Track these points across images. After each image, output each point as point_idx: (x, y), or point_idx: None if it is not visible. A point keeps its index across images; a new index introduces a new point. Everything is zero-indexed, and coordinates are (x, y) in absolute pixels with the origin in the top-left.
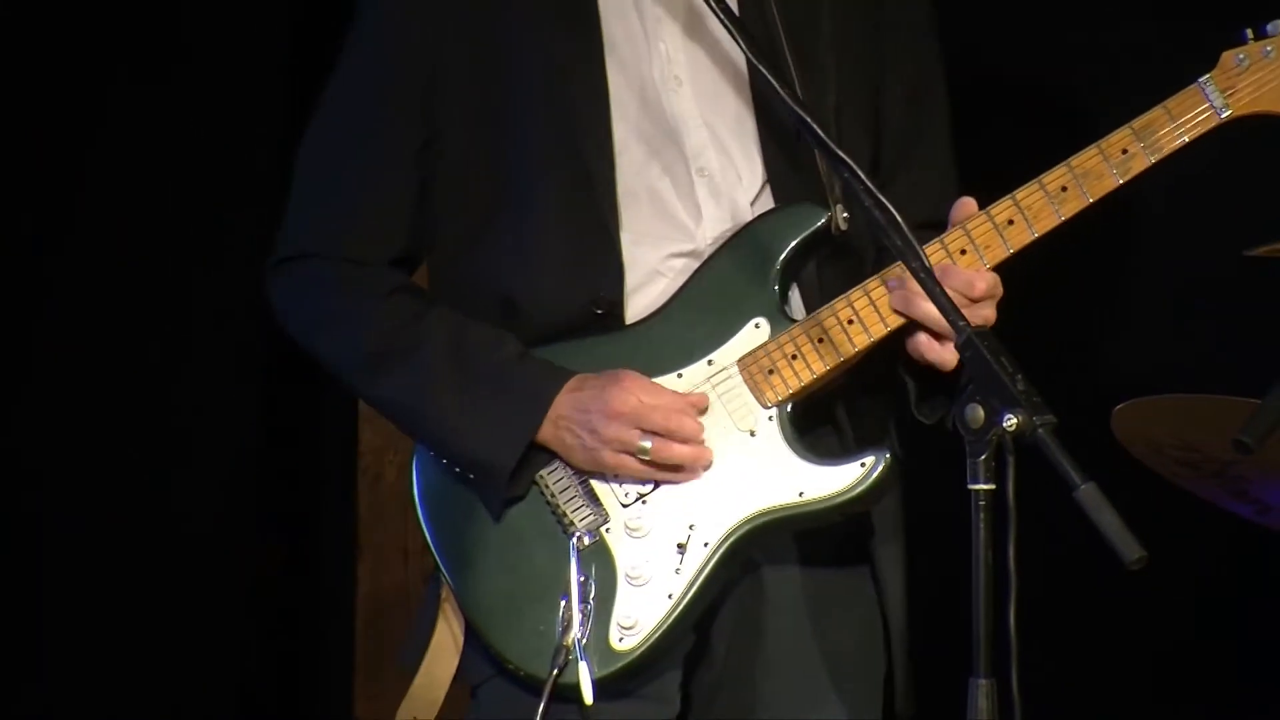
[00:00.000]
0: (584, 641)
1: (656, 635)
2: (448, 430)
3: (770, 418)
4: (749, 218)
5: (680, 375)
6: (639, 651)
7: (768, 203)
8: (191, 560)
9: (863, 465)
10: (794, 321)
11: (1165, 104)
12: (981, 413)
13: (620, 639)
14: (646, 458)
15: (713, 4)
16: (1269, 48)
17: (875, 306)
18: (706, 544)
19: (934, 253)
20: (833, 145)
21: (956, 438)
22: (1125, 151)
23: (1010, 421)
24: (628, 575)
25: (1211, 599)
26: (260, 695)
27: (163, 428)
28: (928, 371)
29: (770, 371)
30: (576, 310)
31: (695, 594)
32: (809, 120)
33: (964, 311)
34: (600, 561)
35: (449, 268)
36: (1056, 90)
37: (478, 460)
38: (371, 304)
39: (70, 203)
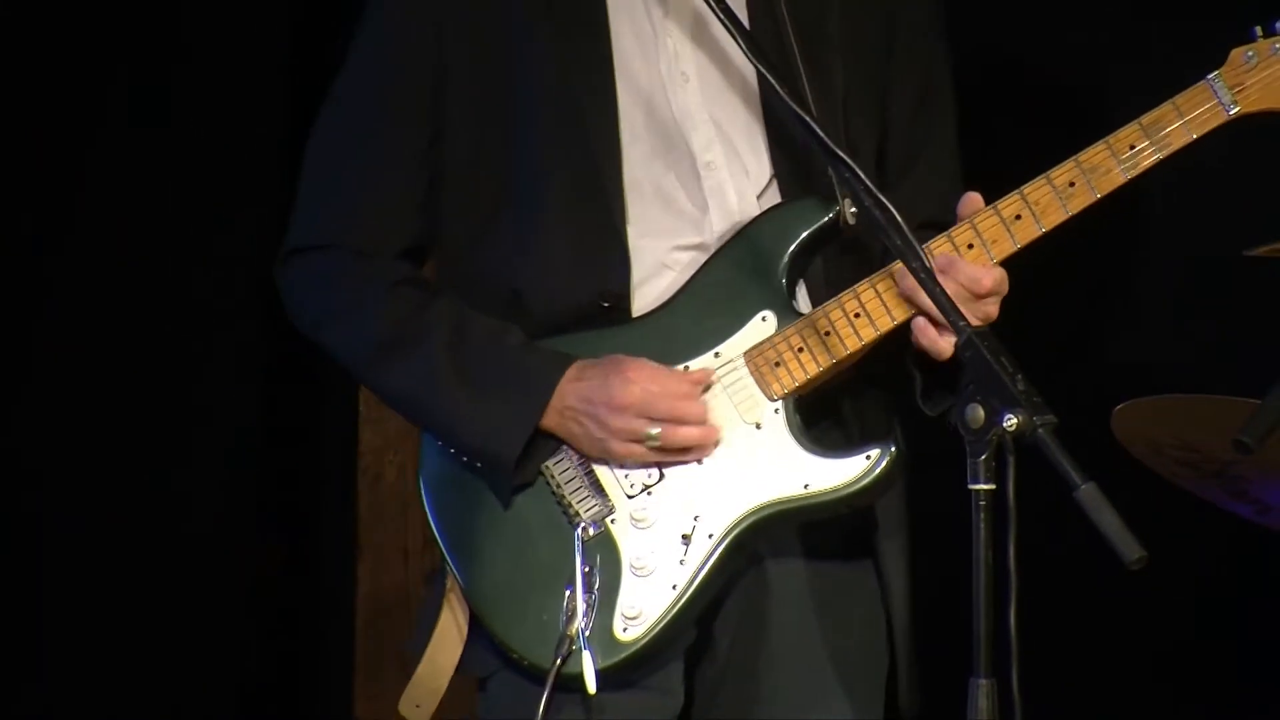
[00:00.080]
0: (588, 631)
1: (660, 626)
2: (453, 420)
3: (776, 410)
4: (756, 212)
5: (686, 368)
6: (643, 642)
7: (775, 197)
8: (192, 560)
9: (868, 458)
10: (801, 315)
11: (1174, 100)
12: (982, 413)
13: (624, 629)
14: (656, 444)
15: (712, 4)
16: (1278, 45)
17: (882, 301)
18: (711, 535)
19: (941, 247)
20: (831, 144)
21: (958, 437)
22: (1133, 147)
23: (1010, 421)
24: (632, 566)
25: (1211, 599)
26: (260, 695)
27: (163, 428)
28: (935, 364)
29: (777, 364)
30: (583, 303)
31: (699, 585)
32: (808, 119)
33: (968, 305)
34: (605, 552)
35: (456, 262)
36: (1064, 87)
37: (483, 450)
38: (378, 295)
39: (70, 203)
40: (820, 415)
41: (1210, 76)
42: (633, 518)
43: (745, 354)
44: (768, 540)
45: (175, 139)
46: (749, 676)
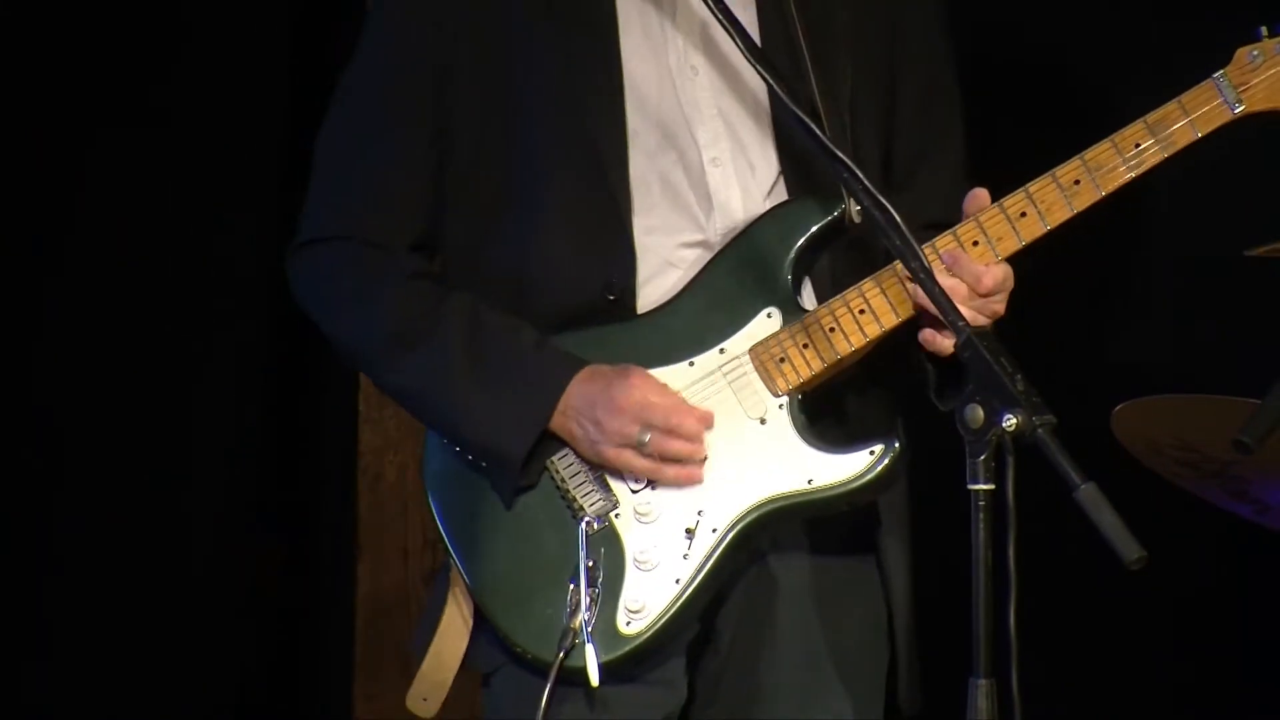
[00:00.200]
0: (591, 625)
1: (663, 620)
2: (461, 417)
3: (781, 406)
4: (762, 208)
5: (692, 364)
6: (646, 635)
7: (782, 194)
8: (191, 560)
9: (871, 453)
10: (806, 312)
11: (1179, 99)
12: (981, 413)
13: (628, 623)
14: (646, 450)
15: (712, 6)
16: None
17: (887, 297)
18: (715, 530)
19: (946, 243)
20: (830, 145)
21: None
22: (1138, 145)
23: (1010, 421)
24: (636, 560)
25: (1211, 599)
26: (260, 695)
27: (163, 428)
28: (949, 359)
29: (781, 360)
30: (589, 298)
31: (703, 580)
32: (807, 120)
33: (973, 304)
34: (609, 546)
35: (461, 257)
36: (1070, 85)
37: (490, 448)
38: (391, 288)
39: (70, 203)
40: (824, 411)
41: (1216, 75)
42: (636, 512)
43: (750, 350)
44: (771, 536)
45: (175, 139)
46: (750, 671)
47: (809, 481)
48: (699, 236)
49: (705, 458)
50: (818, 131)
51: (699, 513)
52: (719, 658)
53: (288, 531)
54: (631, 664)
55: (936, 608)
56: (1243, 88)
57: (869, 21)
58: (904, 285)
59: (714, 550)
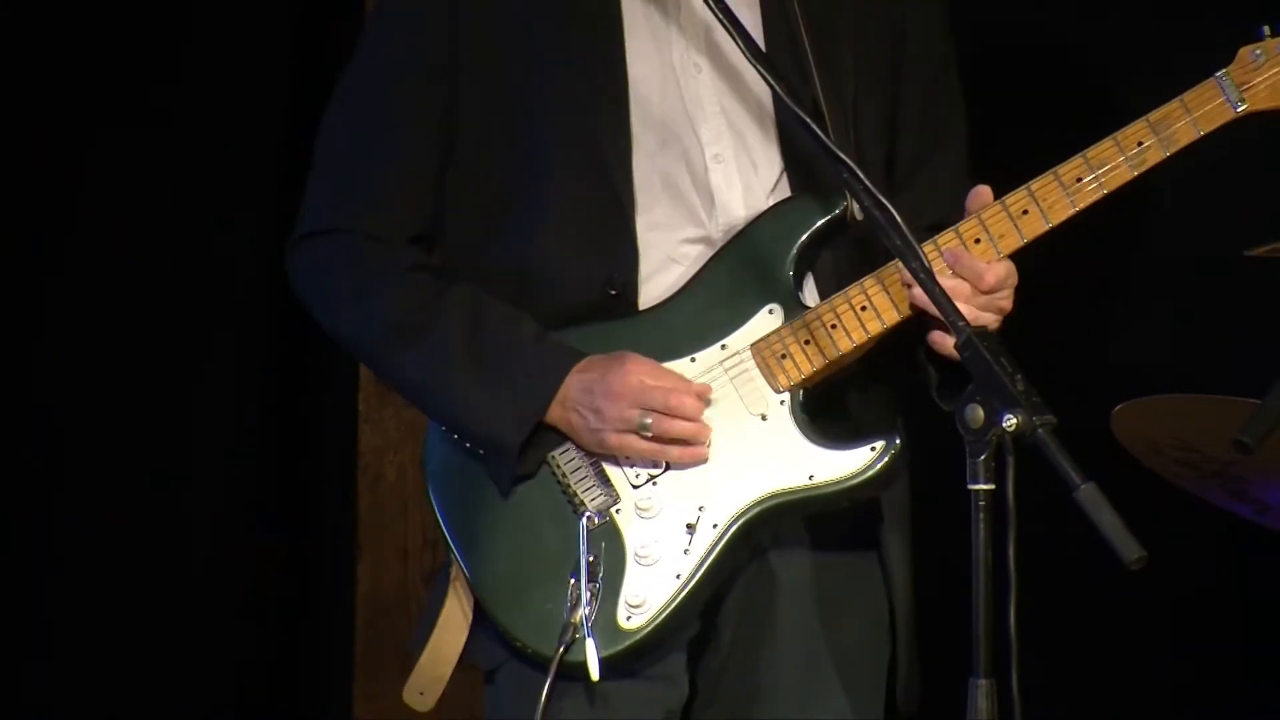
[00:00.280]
0: (592, 619)
1: (664, 615)
2: (460, 408)
3: (782, 402)
4: (765, 206)
5: (694, 359)
6: (646, 630)
7: (785, 191)
8: (191, 560)
9: (873, 450)
10: (808, 308)
11: (1182, 97)
12: (981, 413)
13: (628, 618)
14: (648, 434)
15: (712, 6)
16: None
17: (889, 294)
18: (716, 525)
19: (948, 241)
20: (831, 145)
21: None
22: (1141, 144)
23: (1010, 421)
24: (637, 555)
25: (1211, 599)
26: (260, 695)
27: (163, 428)
28: (948, 362)
29: (783, 356)
30: (591, 292)
31: (704, 575)
32: (808, 120)
33: (979, 301)
34: (610, 541)
35: (464, 251)
36: (1073, 83)
37: (487, 438)
38: (392, 280)
39: (70, 203)
40: (825, 408)
41: (1218, 74)
42: (637, 507)
43: (752, 346)
44: (772, 532)
45: (175, 139)
46: (751, 668)
47: (810, 477)
48: (701, 233)
49: (709, 436)
50: (818, 131)
51: (700, 508)
52: (719, 656)
53: (288, 531)
54: (632, 659)
55: (937, 607)
56: (1245, 87)
57: (872, 22)
58: (905, 286)
59: (715, 546)
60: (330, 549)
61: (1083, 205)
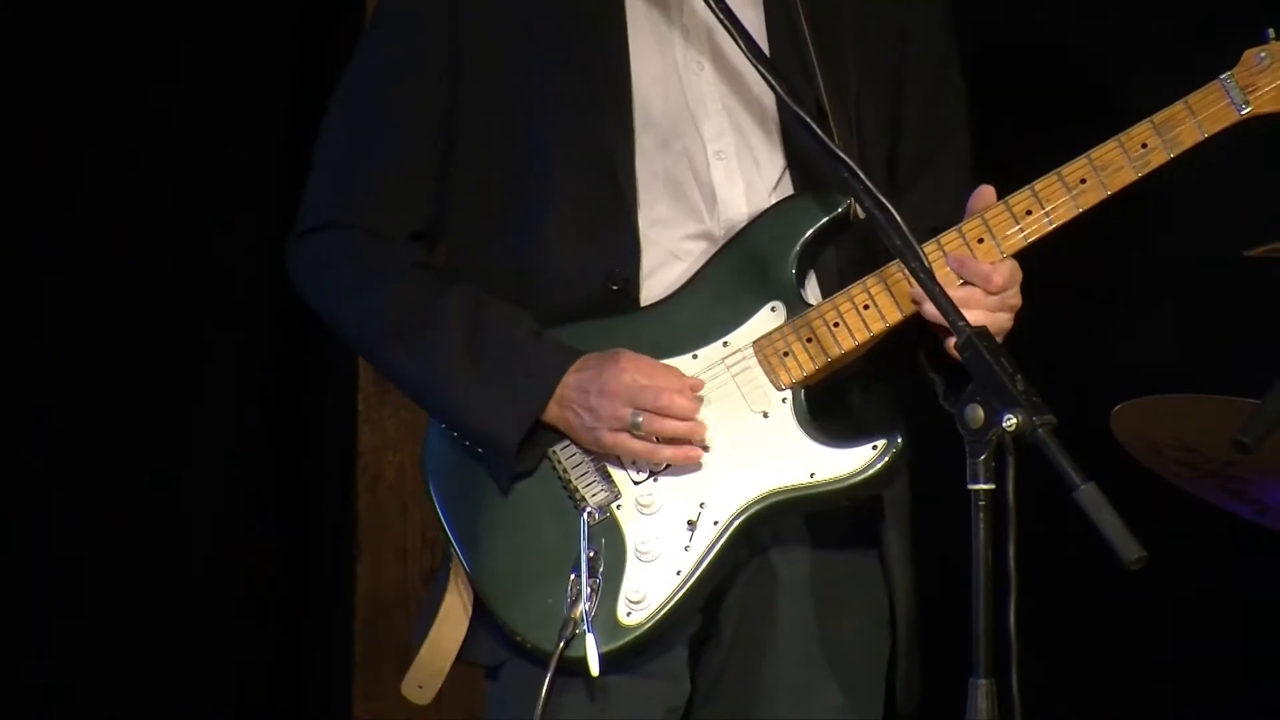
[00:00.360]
0: (592, 614)
1: (664, 611)
2: (458, 405)
3: (784, 399)
4: (767, 203)
5: (695, 356)
6: (646, 626)
7: (788, 189)
8: (191, 560)
9: (874, 448)
10: (811, 306)
11: (1186, 99)
12: (981, 413)
13: (628, 613)
14: (639, 433)
15: (712, 5)
16: None
17: (891, 293)
18: (716, 522)
19: (951, 241)
20: (831, 145)
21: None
22: (1145, 145)
23: (1010, 421)
24: (637, 551)
25: (1211, 599)
26: (259, 695)
27: (163, 428)
28: (952, 365)
29: (785, 354)
30: (592, 287)
31: (704, 572)
32: (808, 119)
33: (991, 302)
34: (610, 537)
35: (466, 246)
36: (1078, 85)
37: (485, 436)
38: (392, 277)
39: (70, 203)
40: (827, 406)
41: (1223, 76)
42: (638, 503)
43: (754, 344)
44: (773, 529)
45: (175, 139)
46: (752, 665)
47: (811, 475)
48: (703, 229)
49: (704, 436)
50: (819, 131)
51: (701, 505)
52: (720, 653)
53: (287, 531)
54: (632, 654)
55: (937, 607)
56: (1250, 89)
57: (874, 21)
58: (908, 284)
59: (715, 542)
60: (330, 549)
61: (1086, 206)
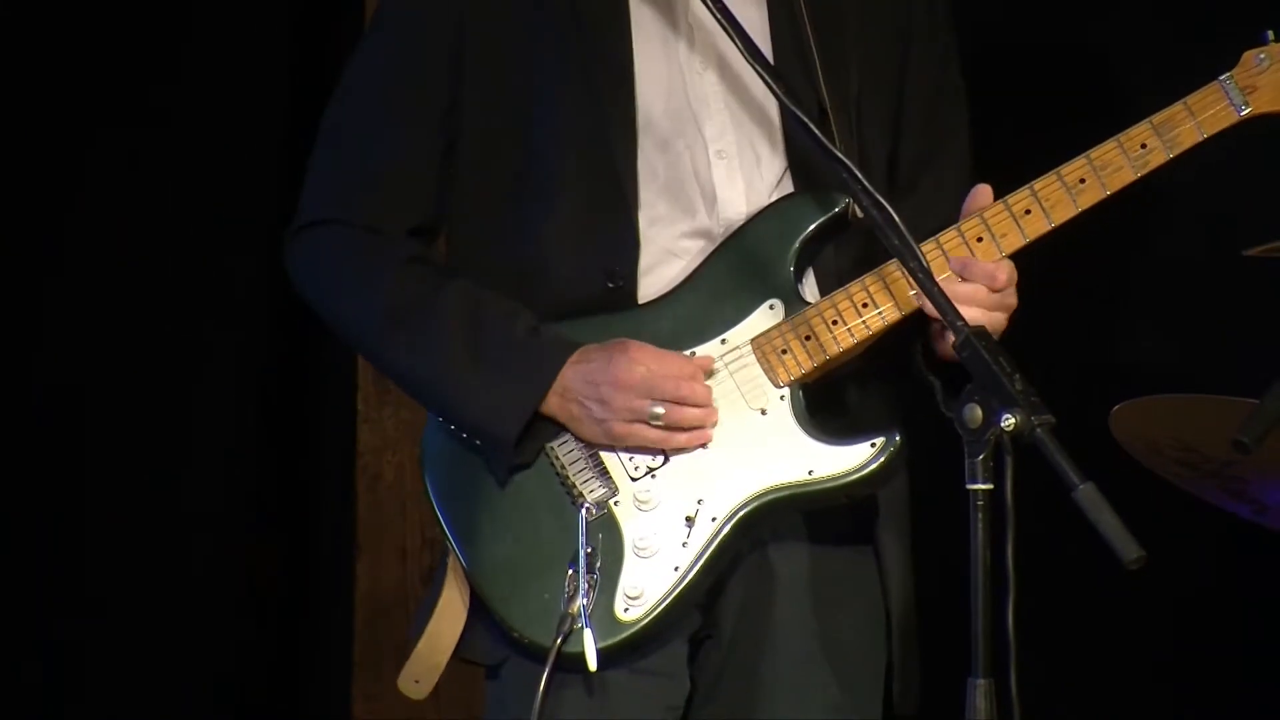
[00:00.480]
0: (589, 610)
1: (661, 607)
2: (457, 398)
3: (782, 397)
4: (766, 203)
5: (693, 354)
6: (644, 622)
7: (788, 188)
8: (191, 560)
9: (872, 446)
10: (809, 304)
11: (1186, 100)
12: (980, 412)
13: (625, 609)
14: (659, 424)
15: (711, 6)
16: None
17: (890, 291)
18: (714, 519)
19: (950, 240)
20: (830, 145)
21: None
22: (1144, 146)
23: (1008, 421)
24: (635, 547)
25: (1210, 599)
26: (259, 694)
27: (163, 427)
28: (950, 369)
29: (784, 352)
30: (590, 283)
31: (702, 568)
32: (806, 120)
33: (992, 301)
34: (608, 533)
35: (466, 241)
36: (1077, 85)
37: (483, 429)
38: (390, 271)
39: (70, 203)
40: (825, 403)
41: (1222, 78)
42: (636, 499)
43: (752, 341)
44: (771, 526)
45: (175, 139)
46: (751, 664)
47: (809, 472)
48: (702, 227)
49: (717, 419)
50: (817, 132)
51: (699, 501)
52: (720, 652)
53: (287, 531)
54: (629, 650)
55: (936, 608)
56: (1249, 90)
57: (877, 22)
58: (907, 283)
59: (713, 539)
60: (329, 549)
61: (1085, 206)
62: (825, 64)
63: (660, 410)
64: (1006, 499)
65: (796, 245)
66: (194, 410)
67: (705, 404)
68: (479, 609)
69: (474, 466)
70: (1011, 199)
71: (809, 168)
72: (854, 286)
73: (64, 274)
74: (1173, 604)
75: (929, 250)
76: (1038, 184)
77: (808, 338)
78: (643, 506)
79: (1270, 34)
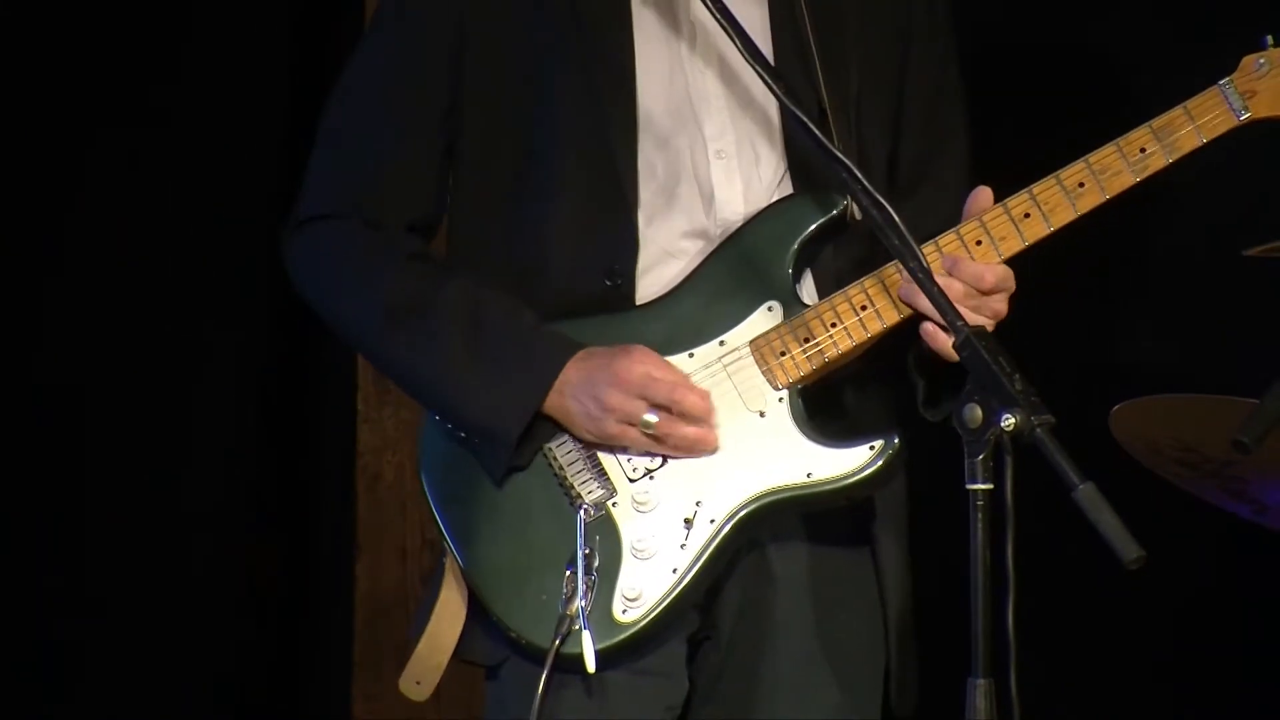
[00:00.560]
0: (588, 611)
1: (660, 608)
2: (456, 396)
3: (781, 399)
4: (765, 203)
5: (692, 355)
6: (642, 624)
7: (788, 188)
8: (191, 560)
9: (871, 448)
10: (807, 306)
11: (1185, 105)
12: (980, 412)
13: (624, 610)
14: (650, 432)
15: (710, 6)
16: None
17: (889, 293)
18: (713, 521)
19: (949, 243)
20: (830, 146)
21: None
22: (1144, 150)
23: (1008, 421)
24: (633, 548)
25: (1210, 599)
26: (259, 695)
27: (163, 427)
28: (937, 371)
29: (782, 354)
30: (589, 282)
31: (700, 570)
32: (807, 120)
33: (975, 303)
34: (606, 534)
35: (465, 238)
36: (1077, 89)
37: (484, 427)
38: (391, 266)
39: (70, 203)
40: (824, 406)
41: (1222, 82)
42: (635, 500)
43: (751, 343)
44: (769, 528)
45: (175, 139)
46: (750, 665)
47: (808, 475)
48: (700, 228)
49: (716, 446)
50: (817, 132)
51: (697, 503)
52: (718, 652)
53: (287, 531)
54: (627, 652)
55: (936, 608)
56: (1249, 95)
57: (877, 21)
58: (902, 287)
59: (711, 541)
60: (329, 549)
61: (1084, 210)
62: (825, 64)
63: (653, 419)
64: (1006, 499)
65: (795, 247)
66: (194, 410)
67: (702, 417)
68: (478, 610)
69: (472, 467)
70: (1010, 202)
71: (808, 168)
72: (853, 289)
73: (64, 274)
74: (1173, 604)
75: (927, 252)
76: (1036, 188)
77: (806, 340)
78: (641, 508)
79: (1270, 39)
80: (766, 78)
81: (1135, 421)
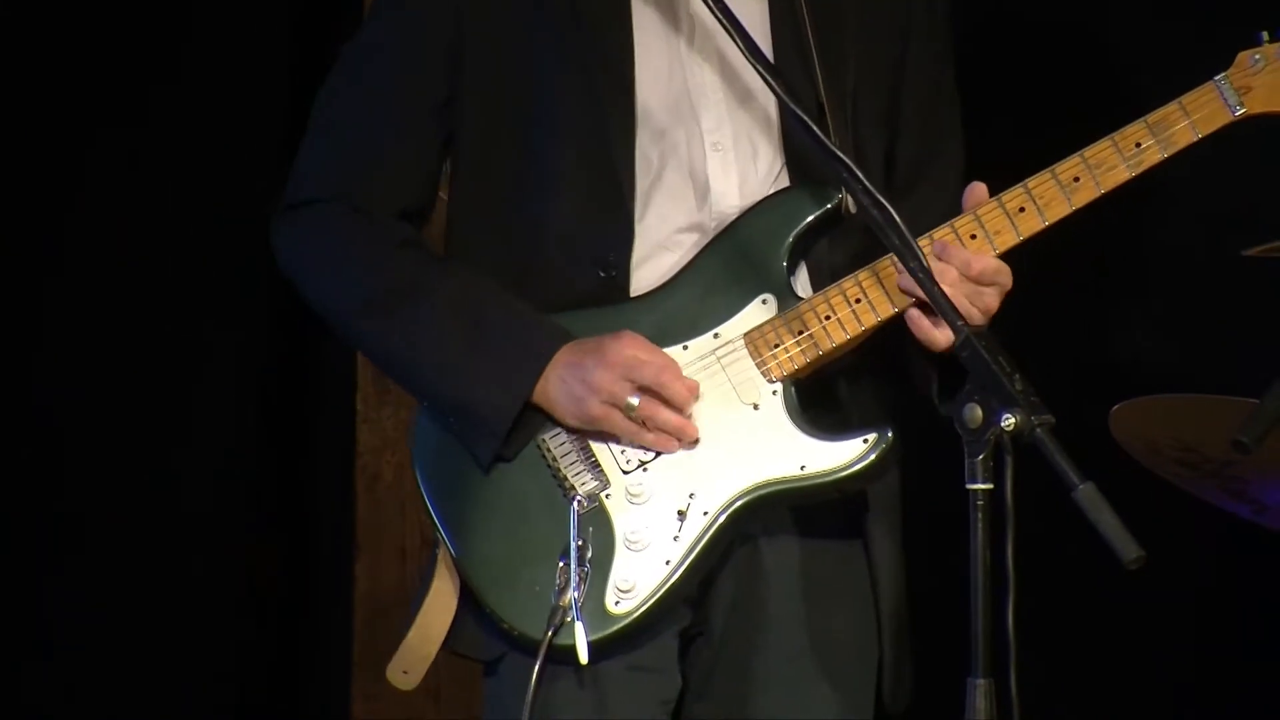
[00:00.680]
0: (580, 603)
1: (652, 600)
2: (449, 379)
3: (774, 392)
4: (761, 196)
5: (686, 347)
6: (634, 615)
7: (784, 182)
8: (190, 559)
9: (865, 441)
10: (802, 299)
11: (1180, 100)
12: (980, 412)
13: (616, 602)
14: (633, 415)
15: (714, 7)
16: None
17: (884, 287)
18: (706, 513)
19: (944, 236)
20: (829, 143)
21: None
22: (1139, 144)
23: (1008, 421)
24: (626, 540)
25: (1209, 598)
26: (259, 695)
27: (163, 427)
28: (951, 362)
29: (776, 346)
30: (583, 273)
31: (693, 562)
32: (805, 117)
33: (965, 288)
34: (599, 526)
35: (464, 233)
36: (1073, 84)
37: (473, 413)
38: (381, 251)
39: (70, 203)
40: (818, 398)
41: (1217, 78)
42: (628, 492)
43: (745, 335)
44: (762, 521)
45: (175, 139)
46: (743, 659)
47: (801, 467)
48: (695, 221)
49: (694, 436)
50: (815, 129)
51: (690, 495)
52: (711, 647)
53: (286, 531)
54: (620, 643)
55: (935, 607)
56: (1244, 90)
57: (876, 18)
58: (900, 276)
59: (704, 533)
60: (329, 549)
61: (1079, 204)
62: (824, 61)
63: (635, 401)
64: (1006, 499)
65: (790, 240)
66: (194, 410)
67: (684, 405)
68: (470, 602)
69: (464, 457)
70: (1006, 196)
71: (805, 162)
72: (847, 282)
73: (64, 274)
74: (1172, 604)
75: (922, 245)
76: (1032, 182)
77: (800, 332)
78: (634, 500)
79: (1265, 35)
80: (765, 74)
81: (1135, 421)
